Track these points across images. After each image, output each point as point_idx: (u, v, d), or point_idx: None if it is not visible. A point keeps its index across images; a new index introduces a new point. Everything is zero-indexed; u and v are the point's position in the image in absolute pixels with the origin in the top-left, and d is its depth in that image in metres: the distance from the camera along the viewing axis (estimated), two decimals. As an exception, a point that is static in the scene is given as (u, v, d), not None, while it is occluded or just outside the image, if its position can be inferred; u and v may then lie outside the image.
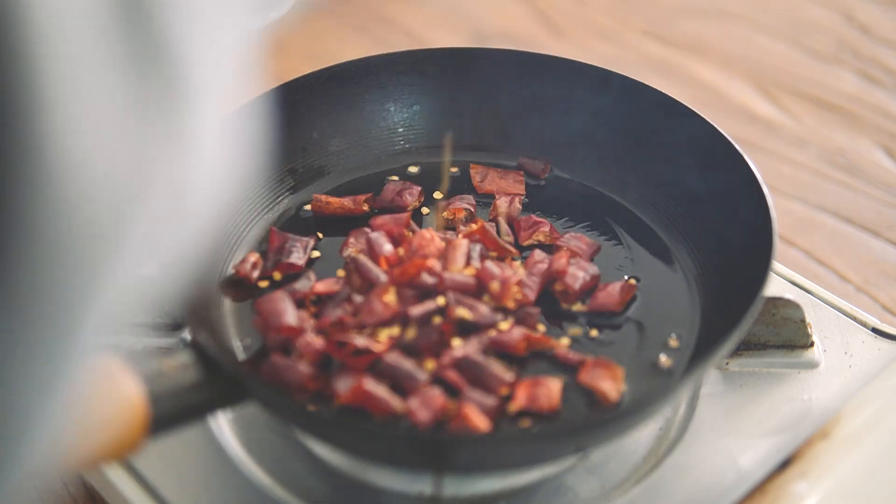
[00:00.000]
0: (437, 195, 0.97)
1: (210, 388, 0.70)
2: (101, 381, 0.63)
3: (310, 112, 1.01)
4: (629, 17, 1.58)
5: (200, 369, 0.70)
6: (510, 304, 0.83)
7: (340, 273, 0.89)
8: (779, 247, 1.12)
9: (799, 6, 1.58)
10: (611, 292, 0.86)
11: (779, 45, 1.49)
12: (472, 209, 0.95)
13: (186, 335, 0.87)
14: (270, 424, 0.84)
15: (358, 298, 0.83)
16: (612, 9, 1.60)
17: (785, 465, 0.80)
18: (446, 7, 1.60)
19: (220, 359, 0.71)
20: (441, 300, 0.82)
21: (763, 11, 1.59)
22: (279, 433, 0.84)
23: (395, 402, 0.75)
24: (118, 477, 0.80)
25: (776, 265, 0.98)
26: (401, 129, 1.04)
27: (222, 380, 0.71)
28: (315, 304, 0.86)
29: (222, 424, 0.84)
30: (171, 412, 0.68)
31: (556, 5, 1.60)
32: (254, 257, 0.90)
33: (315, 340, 0.79)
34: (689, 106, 0.94)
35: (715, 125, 0.92)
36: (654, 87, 0.98)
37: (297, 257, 0.90)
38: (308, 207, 0.98)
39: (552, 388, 0.77)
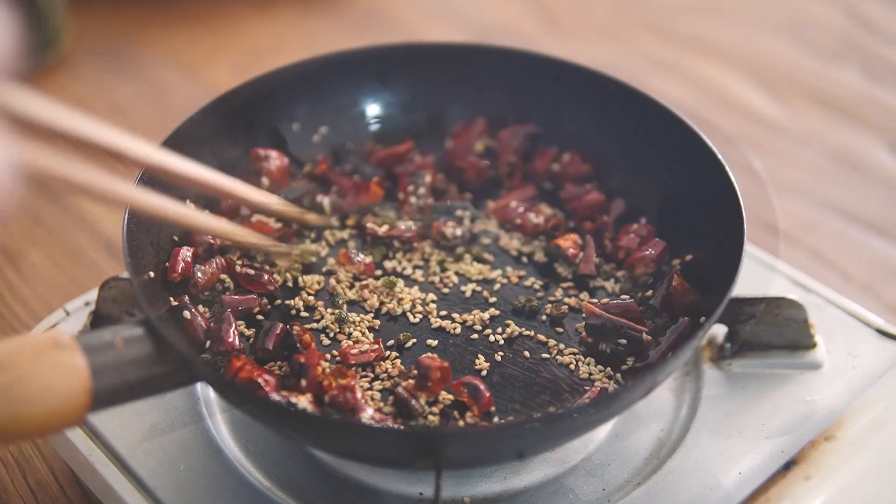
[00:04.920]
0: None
1: (159, 366, 0.70)
2: (44, 350, 0.64)
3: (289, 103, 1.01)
4: (632, 14, 1.57)
5: (150, 345, 0.69)
6: None
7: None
8: (782, 246, 1.12)
9: (802, 3, 1.57)
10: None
11: (782, 42, 1.49)
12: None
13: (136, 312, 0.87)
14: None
15: None
16: (614, 6, 1.59)
17: (788, 467, 0.79)
18: (448, 4, 1.60)
19: (171, 338, 0.70)
20: None
21: (766, 9, 1.58)
22: (277, 434, 0.83)
23: None
24: (115, 479, 0.80)
25: (779, 265, 0.97)
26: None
27: (172, 358, 0.70)
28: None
29: (220, 425, 0.84)
30: (116, 386, 0.67)
31: (558, 2, 1.59)
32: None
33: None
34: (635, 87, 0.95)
35: (670, 107, 0.92)
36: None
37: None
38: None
39: None
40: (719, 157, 0.86)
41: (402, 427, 0.76)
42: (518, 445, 0.71)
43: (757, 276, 0.95)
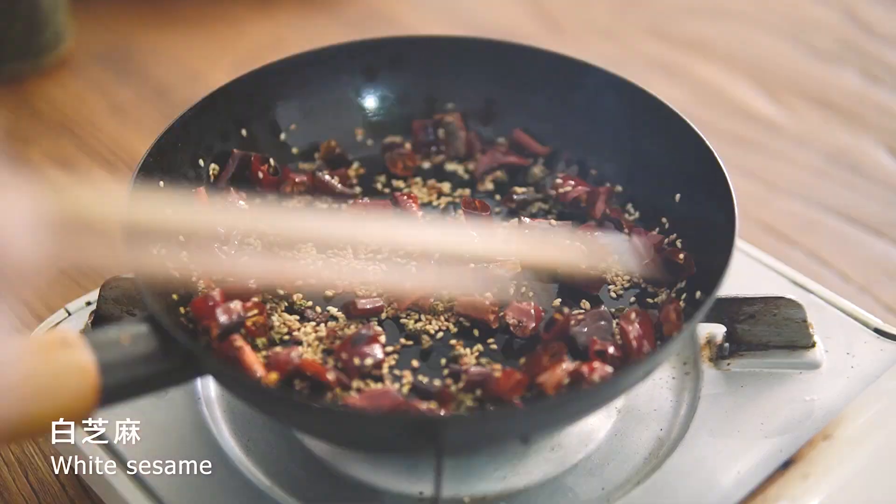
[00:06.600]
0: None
1: (165, 361, 0.70)
2: (52, 348, 0.65)
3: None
4: (631, 15, 1.57)
5: (155, 341, 0.70)
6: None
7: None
8: (780, 246, 1.13)
9: (801, 5, 1.57)
10: None
11: (781, 43, 1.49)
12: None
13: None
14: (269, 424, 0.84)
15: None
16: (613, 7, 1.60)
17: (786, 466, 0.79)
18: (448, 5, 1.60)
19: (176, 333, 0.71)
20: None
21: (765, 10, 1.58)
22: (277, 433, 0.84)
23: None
24: (116, 479, 0.80)
25: (778, 265, 0.98)
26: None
27: (177, 353, 0.71)
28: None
29: (220, 425, 0.84)
30: (123, 382, 0.68)
31: (557, 3, 1.60)
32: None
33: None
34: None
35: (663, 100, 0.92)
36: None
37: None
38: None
39: None
40: (716, 155, 0.86)
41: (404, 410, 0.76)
42: (523, 428, 0.71)
43: (756, 276, 0.96)
